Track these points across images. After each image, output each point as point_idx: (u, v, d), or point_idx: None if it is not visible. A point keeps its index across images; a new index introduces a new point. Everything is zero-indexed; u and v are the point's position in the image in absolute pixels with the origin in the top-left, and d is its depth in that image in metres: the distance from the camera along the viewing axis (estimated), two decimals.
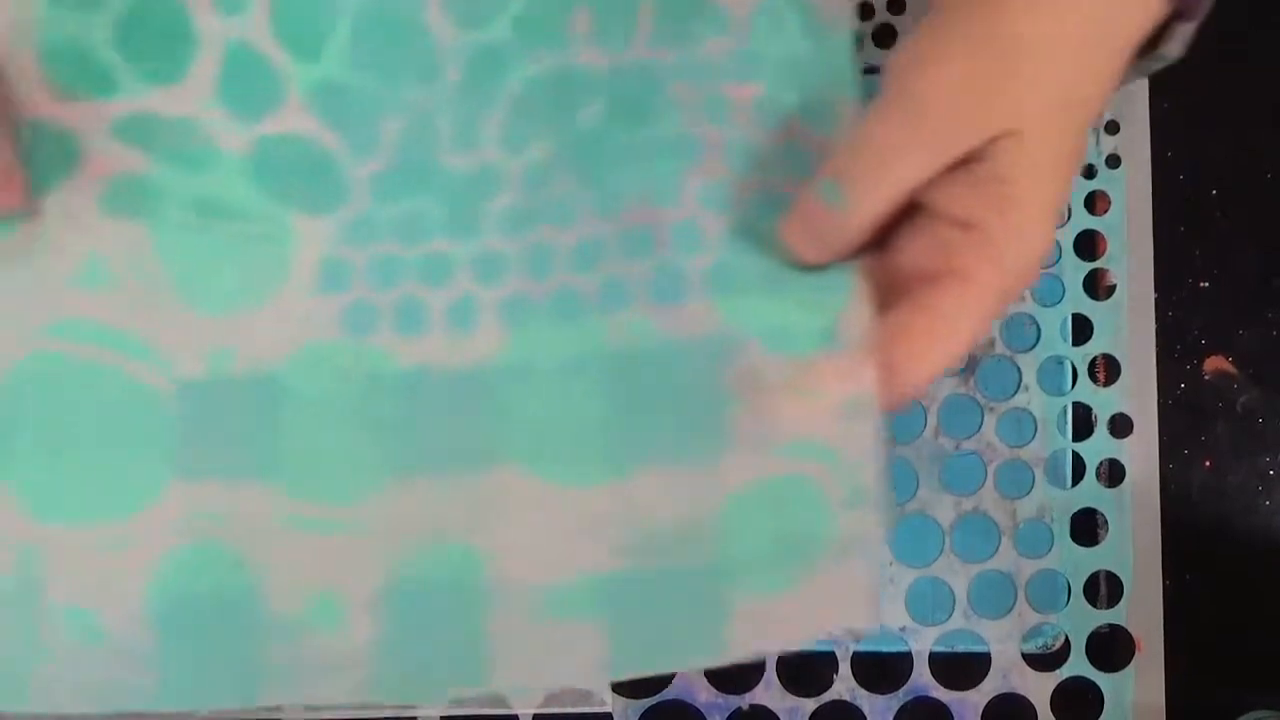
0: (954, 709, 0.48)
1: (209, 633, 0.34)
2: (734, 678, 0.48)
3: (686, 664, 0.34)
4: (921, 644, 0.48)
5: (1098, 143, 0.50)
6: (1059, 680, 0.48)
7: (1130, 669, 0.48)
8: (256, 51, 0.35)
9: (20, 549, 0.33)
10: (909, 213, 0.32)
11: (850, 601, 0.33)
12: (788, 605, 0.33)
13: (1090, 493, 0.49)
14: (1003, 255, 0.31)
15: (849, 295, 0.34)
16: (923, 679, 0.48)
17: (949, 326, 0.32)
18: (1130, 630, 0.48)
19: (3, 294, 0.34)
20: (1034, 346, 0.50)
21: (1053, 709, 0.48)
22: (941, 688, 0.48)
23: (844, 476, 0.33)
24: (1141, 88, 0.51)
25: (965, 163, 0.31)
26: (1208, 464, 0.49)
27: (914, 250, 0.33)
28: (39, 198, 0.34)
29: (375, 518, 0.34)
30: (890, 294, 0.33)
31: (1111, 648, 0.48)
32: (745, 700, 0.48)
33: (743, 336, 0.34)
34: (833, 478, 0.33)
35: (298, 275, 0.35)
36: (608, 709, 0.46)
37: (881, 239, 0.33)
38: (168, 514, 0.34)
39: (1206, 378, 0.50)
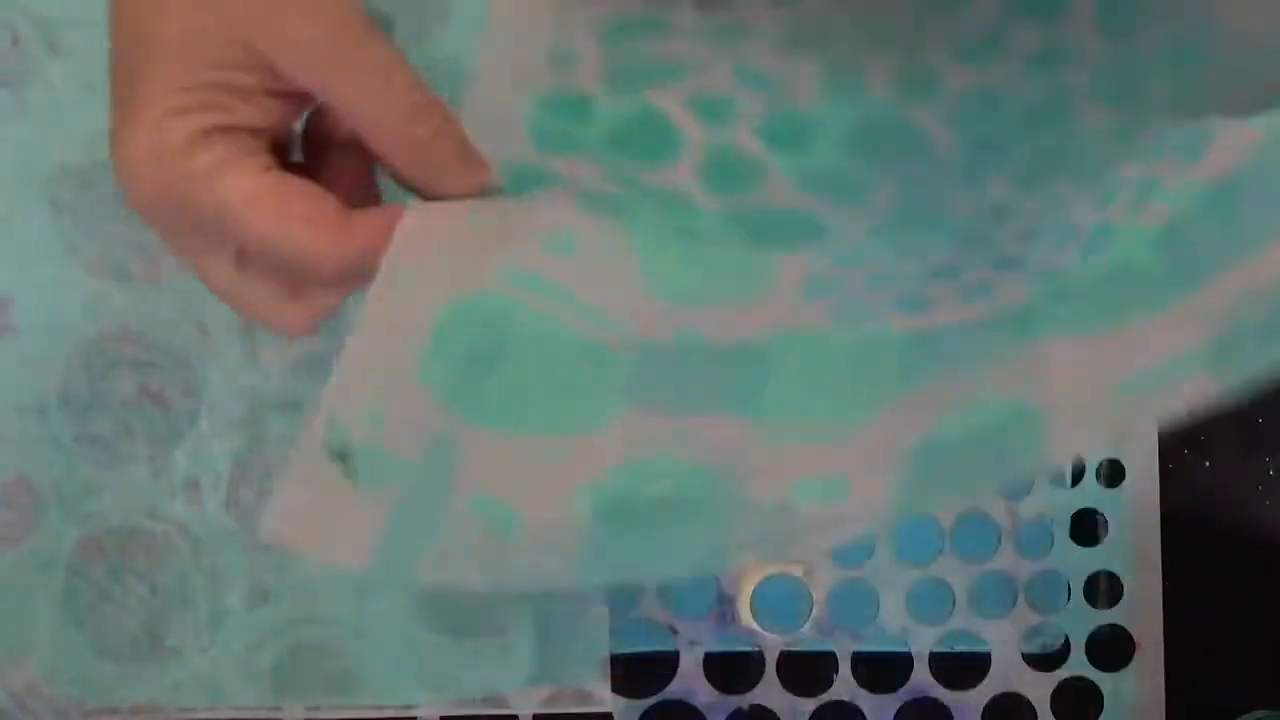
0: (954, 709, 0.48)
1: (657, 523, 0.32)
2: (734, 677, 0.48)
3: None
4: (921, 644, 0.48)
5: None
6: (1059, 680, 0.48)
7: (1130, 669, 0.48)
8: (737, 149, 0.33)
9: (435, 438, 0.32)
10: None
11: None
12: None
13: (1090, 493, 0.49)
14: None
15: None
16: (923, 679, 0.48)
17: None
18: (1130, 630, 0.48)
19: (482, 228, 0.33)
20: None
21: (1053, 709, 0.48)
22: (941, 688, 0.48)
23: None
24: None
25: None
26: (1208, 464, 0.49)
27: None
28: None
29: (878, 424, 0.33)
30: None
31: (1111, 647, 0.48)
32: (745, 700, 0.48)
33: None
34: None
35: (787, 283, 0.34)
36: (607, 709, 0.46)
37: None
38: (616, 437, 0.33)
39: None
